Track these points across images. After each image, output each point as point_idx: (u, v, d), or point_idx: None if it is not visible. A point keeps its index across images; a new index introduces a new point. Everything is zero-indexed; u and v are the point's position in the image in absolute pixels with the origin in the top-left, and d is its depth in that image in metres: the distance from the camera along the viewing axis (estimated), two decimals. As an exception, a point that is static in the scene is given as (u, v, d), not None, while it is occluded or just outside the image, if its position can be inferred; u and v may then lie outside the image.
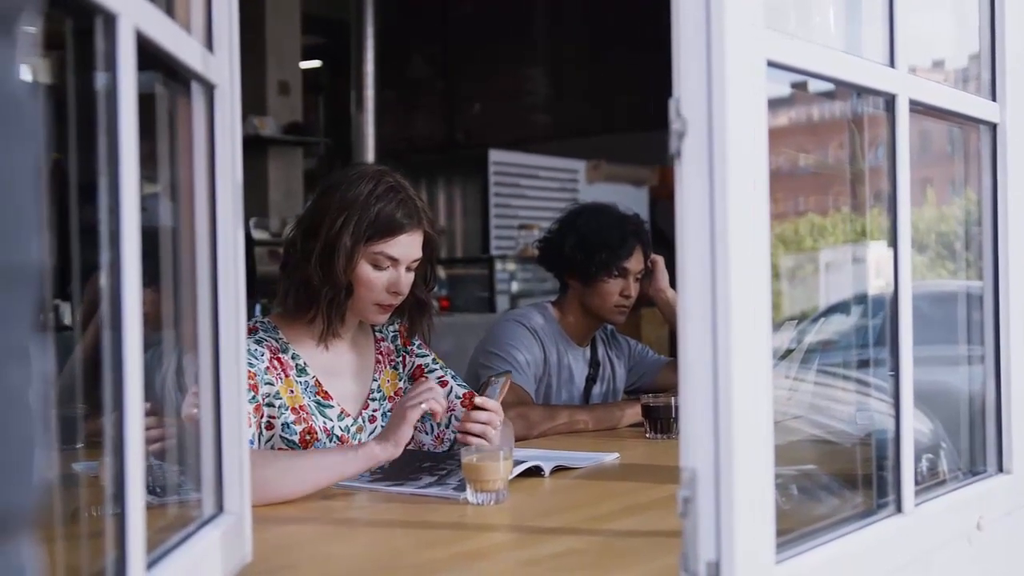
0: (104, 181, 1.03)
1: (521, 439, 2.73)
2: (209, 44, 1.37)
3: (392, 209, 2.21)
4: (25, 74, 0.60)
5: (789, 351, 2.26)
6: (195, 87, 1.36)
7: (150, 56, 1.13)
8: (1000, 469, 1.84)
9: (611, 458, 2.39)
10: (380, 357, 2.42)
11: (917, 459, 1.63)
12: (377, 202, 2.20)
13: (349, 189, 2.21)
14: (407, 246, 2.24)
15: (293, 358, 2.26)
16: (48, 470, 0.61)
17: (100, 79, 1.04)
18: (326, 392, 2.27)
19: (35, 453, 0.59)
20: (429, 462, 2.17)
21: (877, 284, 1.97)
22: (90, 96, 1.05)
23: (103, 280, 1.03)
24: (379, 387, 2.39)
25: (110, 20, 1.01)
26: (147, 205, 1.12)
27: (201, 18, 1.37)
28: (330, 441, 2.24)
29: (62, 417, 1.51)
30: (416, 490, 1.98)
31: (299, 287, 2.23)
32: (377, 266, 2.22)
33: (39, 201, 0.60)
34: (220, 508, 1.40)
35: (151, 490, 1.28)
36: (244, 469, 1.43)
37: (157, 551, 1.18)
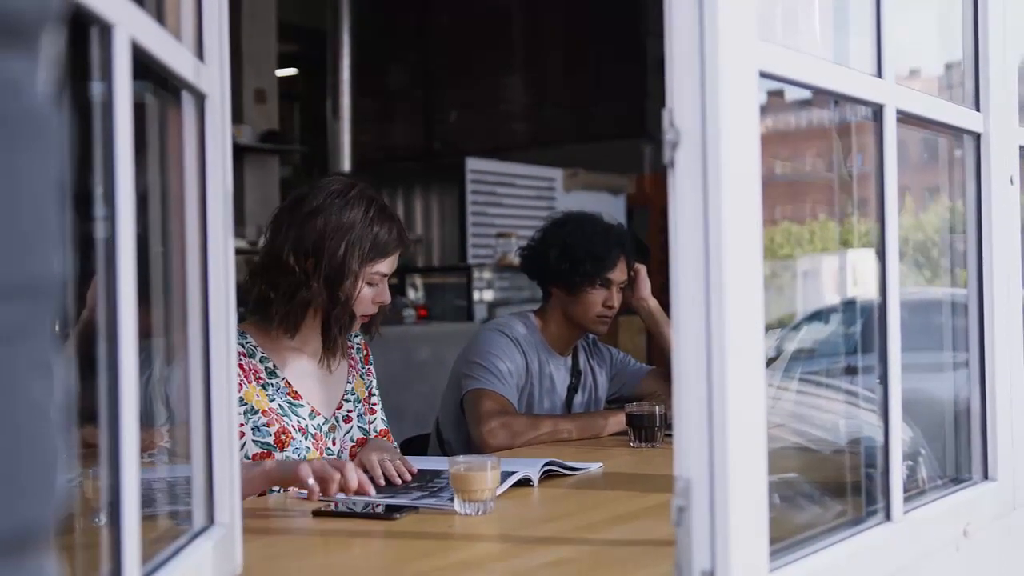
0: (99, 190, 1.03)
1: (505, 448, 2.73)
2: (200, 54, 1.37)
3: (387, 231, 2.33)
4: (47, 88, 0.60)
5: (771, 360, 2.28)
6: (185, 97, 1.35)
7: (142, 65, 1.12)
8: (985, 476, 1.85)
9: (595, 467, 2.39)
10: (352, 362, 2.50)
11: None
12: (373, 225, 2.31)
13: (343, 213, 2.29)
14: (395, 261, 2.38)
15: (262, 361, 2.32)
16: (67, 484, 0.61)
17: (95, 88, 1.03)
18: (296, 392, 2.33)
19: (57, 467, 0.59)
20: (418, 480, 2.17)
21: (856, 292, 1.99)
22: (84, 105, 1.05)
23: (99, 290, 1.02)
24: (352, 389, 2.47)
25: (106, 30, 1.00)
26: (136, 214, 1.11)
27: (191, 28, 1.36)
28: (305, 439, 2.30)
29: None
30: (410, 501, 1.97)
31: (300, 308, 2.30)
32: (370, 284, 2.34)
33: (62, 214, 0.60)
34: (211, 520, 1.39)
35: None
36: (235, 481, 1.42)
37: (150, 564, 1.17)
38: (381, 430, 2.50)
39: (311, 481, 1.92)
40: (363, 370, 2.53)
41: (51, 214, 0.59)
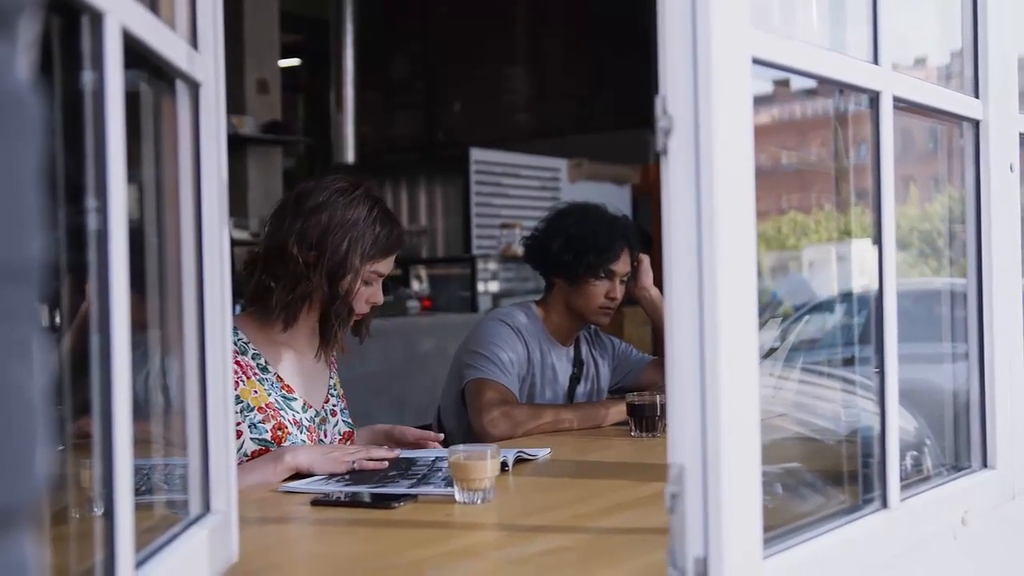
0: (90, 181, 1.03)
1: (506, 438, 2.74)
2: (194, 42, 1.37)
3: (388, 232, 2.37)
4: (25, 72, 0.60)
5: (773, 349, 2.27)
6: (180, 85, 1.35)
7: (134, 54, 1.12)
8: (984, 465, 1.85)
9: (543, 453, 2.42)
10: (333, 360, 2.54)
11: (902, 456, 1.63)
12: (376, 225, 2.35)
13: (347, 211, 2.32)
14: (392, 263, 2.42)
15: (253, 358, 2.34)
16: (50, 466, 0.62)
17: (86, 77, 1.03)
18: (288, 386, 2.37)
19: (38, 449, 0.59)
20: (394, 471, 2.17)
21: (860, 282, 1.99)
22: (75, 94, 1.05)
23: (89, 281, 1.02)
24: (334, 385, 2.52)
25: (96, 18, 1.00)
26: (129, 205, 1.11)
27: (185, 16, 1.36)
28: (300, 432, 2.33)
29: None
30: (408, 490, 1.97)
31: (300, 300, 2.32)
32: (367, 282, 2.37)
33: (41, 199, 0.60)
34: (207, 508, 1.39)
35: (135, 490, 1.27)
36: (231, 469, 1.42)
37: (145, 551, 1.17)
38: (345, 432, 2.51)
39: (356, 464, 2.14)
40: (337, 369, 2.58)
41: (30, 199, 0.59)
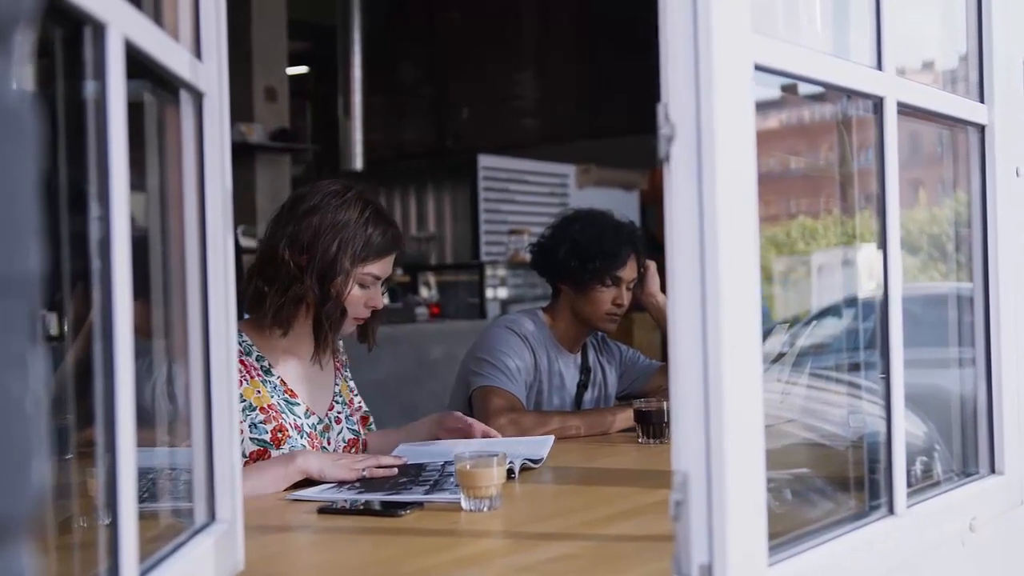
0: (93, 190, 1.03)
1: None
2: (197, 52, 1.37)
3: (382, 233, 2.36)
4: (21, 84, 0.60)
5: (781, 354, 2.27)
6: (183, 95, 1.36)
7: (138, 64, 1.13)
8: (992, 470, 1.84)
9: (548, 441, 2.46)
10: (338, 366, 2.55)
11: (911, 462, 1.63)
12: (367, 226, 2.34)
13: (338, 212, 2.33)
14: (389, 265, 2.41)
15: (258, 360, 2.35)
16: (46, 477, 0.62)
17: (88, 87, 1.04)
18: (292, 391, 2.37)
19: (33, 460, 0.60)
20: (405, 477, 2.17)
21: (869, 287, 1.98)
22: (78, 104, 1.05)
23: (94, 290, 1.03)
24: (339, 392, 2.51)
25: (99, 29, 1.01)
26: (135, 214, 1.12)
27: (189, 26, 1.37)
28: (300, 437, 2.33)
29: (52, 427, 1.50)
30: (419, 497, 1.97)
31: (292, 303, 2.33)
32: (362, 285, 2.36)
33: (36, 210, 0.61)
34: (212, 516, 1.39)
35: (140, 498, 1.27)
36: (236, 477, 1.42)
37: (150, 560, 1.17)
38: (362, 417, 2.56)
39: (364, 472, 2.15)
40: (346, 374, 2.58)
41: (27, 211, 0.59)
